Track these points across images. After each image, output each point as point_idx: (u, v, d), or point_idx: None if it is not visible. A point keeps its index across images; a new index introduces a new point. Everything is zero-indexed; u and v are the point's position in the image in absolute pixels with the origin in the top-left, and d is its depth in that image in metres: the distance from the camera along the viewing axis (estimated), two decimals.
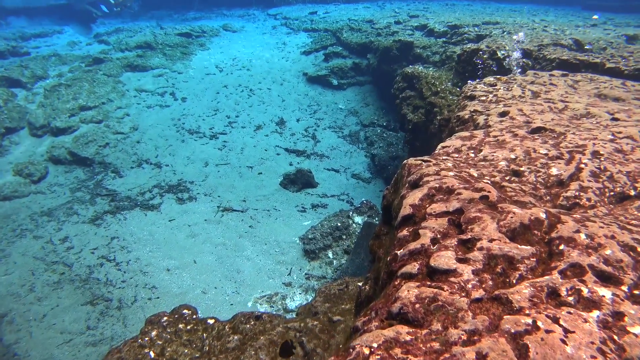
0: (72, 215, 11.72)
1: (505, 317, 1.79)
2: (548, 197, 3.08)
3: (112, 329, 8.63)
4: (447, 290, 1.97)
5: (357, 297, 3.65)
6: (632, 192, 3.02)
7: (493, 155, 3.68)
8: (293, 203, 12.33)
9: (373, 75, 17.88)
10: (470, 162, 3.64)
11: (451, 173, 3.07)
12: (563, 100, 5.35)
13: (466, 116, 5.32)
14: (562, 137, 3.95)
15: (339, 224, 10.38)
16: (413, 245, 2.34)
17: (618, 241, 2.20)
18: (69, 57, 20.12)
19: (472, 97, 6.10)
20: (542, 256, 2.19)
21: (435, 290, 1.97)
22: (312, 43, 21.72)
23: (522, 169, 3.38)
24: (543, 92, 5.85)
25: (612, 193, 3.06)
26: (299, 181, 12.90)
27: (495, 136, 4.21)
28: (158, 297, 9.21)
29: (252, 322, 5.34)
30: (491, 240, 2.24)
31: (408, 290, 2.01)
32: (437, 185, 2.84)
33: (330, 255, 10.06)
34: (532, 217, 2.39)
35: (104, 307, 9.08)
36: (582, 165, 3.30)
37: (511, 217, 2.39)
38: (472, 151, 3.90)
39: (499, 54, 9.57)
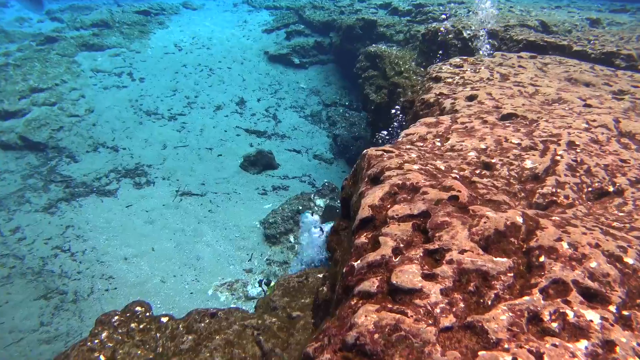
0: (23, 204, 11.29)
1: (480, 353, 1.53)
2: (523, 194, 2.84)
3: (68, 323, 8.34)
4: (412, 316, 1.69)
5: (315, 298, 3.26)
6: (611, 188, 2.84)
7: (462, 145, 3.44)
8: (253, 185, 12.15)
9: (336, 54, 17.61)
10: (436, 152, 3.39)
11: (416, 166, 2.77)
12: (533, 84, 5.17)
13: (431, 99, 5.08)
14: (535, 124, 3.75)
15: (300, 207, 10.25)
16: (372, 257, 2.04)
17: (603, 250, 1.97)
18: (17, 34, 19.23)
19: (437, 79, 5.86)
20: (520, 269, 1.93)
21: (398, 316, 1.69)
22: (273, 21, 21.28)
23: (493, 160, 3.12)
24: (512, 75, 5.65)
25: (590, 189, 2.86)
26: (259, 163, 12.70)
27: (463, 123, 3.98)
28: (115, 288, 8.97)
29: (207, 320, 5.16)
30: (462, 252, 1.95)
31: (366, 316, 1.73)
32: (400, 182, 2.54)
33: (292, 239, 9.96)
34: (508, 222, 2.11)
35: (58, 300, 8.77)
36: (558, 158, 3.08)
37: (484, 223, 2.09)
38: (439, 139, 3.66)
39: (465, 34, 9.44)
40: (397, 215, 2.29)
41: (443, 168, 2.93)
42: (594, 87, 5.32)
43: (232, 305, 7.72)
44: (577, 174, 2.98)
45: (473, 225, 2.10)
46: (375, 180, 2.74)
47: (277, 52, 18.13)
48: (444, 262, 1.93)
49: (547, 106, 4.45)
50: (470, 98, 4.77)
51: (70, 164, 12.80)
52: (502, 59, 6.57)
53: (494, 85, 5.24)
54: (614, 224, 2.43)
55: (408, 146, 3.46)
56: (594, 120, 3.83)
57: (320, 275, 5.82)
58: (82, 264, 9.54)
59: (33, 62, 16.50)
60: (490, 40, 9.40)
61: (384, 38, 14.54)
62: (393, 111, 7.79)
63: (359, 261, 2.10)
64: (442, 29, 9.94)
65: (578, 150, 3.22)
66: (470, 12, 12.79)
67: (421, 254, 2.00)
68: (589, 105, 4.40)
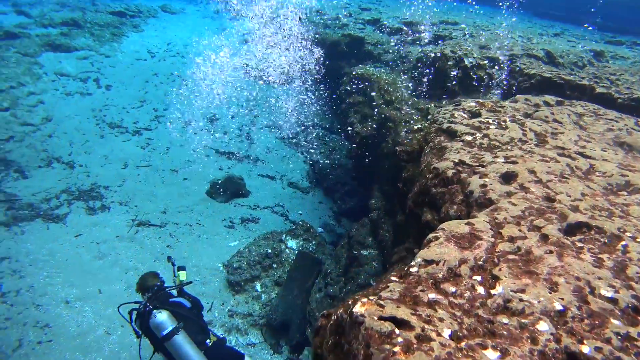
0: None
1: None
2: None
3: None
4: None
5: None
6: None
7: (522, 302, 2.30)
8: (220, 216, 11.04)
9: (318, 71, 16.62)
10: (481, 313, 2.26)
11: None
12: (582, 153, 4.14)
13: (449, 173, 4.04)
14: (620, 244, 2.72)
15: (269, 250, 9.18)
16: None
17: None
18: None
19: (451, 133, 4.82)
20: None
21: None
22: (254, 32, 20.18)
23: (586, 351, 1.97)
24: (550, 135, 4.62)
25: None
26: (228, 190, 11.60)
27: (512, 238, 2.89)
28: (51, 340, 7.75)
29: None
30: None
31: None
32: None
33: (259, 288, 8.89)
34: None
35: None
36: None
37: None
38: (480, 278, 2.55)
39: (466, 62, 8.50)
40: None
41: None
42: None
43: None
44: None
45: None
46: None
47: (257, 66, 17.04)
48: None
49: (614, 197, 3.41)
50: (507, 178, 3.71)
51: (18, 179, 11.53)
52: (525, 104, 5.57)
53: (532, 153, 4.16)
54: None
55: (432, 295, 2.35)
56: None
57: None
58: (13, 307, 8.32)
59: None
60: (495, 70, 8.50)
61: (372, 57, 13.55)
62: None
63: None
64: (441, 54, 9.01)
65: None
66: (467, 35, 11.94)
67: None
68: None
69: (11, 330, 7.88)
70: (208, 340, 5.68)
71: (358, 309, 2.15)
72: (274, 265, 9.14)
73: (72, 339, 7.77)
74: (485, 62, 8.61)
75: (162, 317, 5.36)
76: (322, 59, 15.32)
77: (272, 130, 14.64)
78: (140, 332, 5.60)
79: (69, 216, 10.50)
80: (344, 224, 11.83)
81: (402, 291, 2.38)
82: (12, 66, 15.25)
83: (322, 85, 15.88)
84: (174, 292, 6.10)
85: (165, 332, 5.29)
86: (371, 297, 2.25)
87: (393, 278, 2.65)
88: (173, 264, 6.44)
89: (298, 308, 8.14)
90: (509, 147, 4.38)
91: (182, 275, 6.20)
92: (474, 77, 8.52)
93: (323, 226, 11.28)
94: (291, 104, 15.79)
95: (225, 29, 20.37)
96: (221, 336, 6.25)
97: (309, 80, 16.25)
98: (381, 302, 2.21)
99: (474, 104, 5.64)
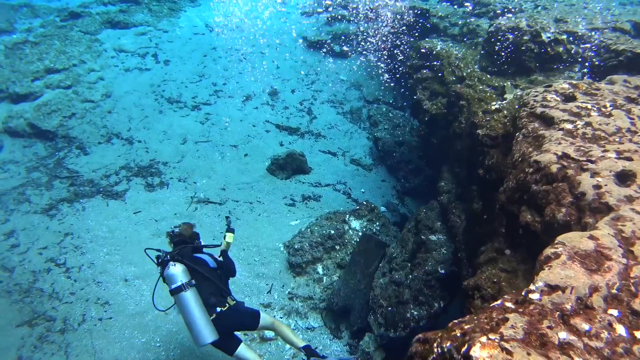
0: (23, 202, 10.04)
1: None
2: None
3: None
4: None
5: None
6: None
7: None
8: (281, 194, 10.61)
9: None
10: None
11: None
12: None
13: (553, 169, 3.47)
14: None
15: (332, 232, 8.65)
16: None
17: None
18: (43, 9, 17.84)
19: (546, 119, 4.22)
20: None
21: None
22: (314, 3, 19.44)
23: None
24: None
25: None
26: (289, 166, 11.14)
27: None
28: (110, 318, 7.60)
29: None
30: None
31: None
32: None
33: (320, 270, 8.40)
34: None
35: (44, 329, 7.46)
36: None
37: None
38: (617, 313, 2.06)
39: (544, 37, 7.59)
40: None
41: None
42: None
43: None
44: None
45: None
46: None
47: (316, 38, 16.37)
48: None
49: None
50: (623, 177, 3.13)
51: (80, 156, 11.50)
52: (625, 87, 4.76)
53: None
54: None
55: (562, 335, 1.84)
56: None
57: None
58: (76, 282, 8.24)
59: (52, 39, 15.19)
60: (575, 46, 7.52)
61: (437, 31, 12.60)
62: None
63: None
64: (515, 28, 8.05)
65: None
66: (539, 7, 10.77)
67: None
68: None
69: (75, 305, 7.82)
70: (219, 308, 5.54)
71: (478, 353, 1.67)
72: (337, 247, 8.62)
73: (130, 317, 7.59)
74: (564, 36, 7.68)
75: (176, 270, 5.33)
76: (386, 30, 14.47)
77: (334, 105, 13.99)
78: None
79: (128, 193, 10.35)
80: (408, 203, 11.19)
81: (526, 327, 1.93)
82: (75, 44, 15.27)
83: (385, 59, 15.08)
84: (212, 251, 6.10)
85: (174, 286, 5.28)
86: (492, 337, 1.77)
87: (509, 305, 2.10)
88: (228, 225, 6.32)
89: (361, 293, 7.65)
90: (617, 139, 3.76)
91: (229, 237, 6.10)
92: (552, 53, 7.62)
93: (386, 205, 10.68)
94: (354, 77, 15.10)
95: (284, 1, 19.76)
96: (240, 301, 6.00)
97: (372, 53, 15.48)
98: (506, 345, 1.76)
99: (566, 86, 4.88)
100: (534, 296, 2.16)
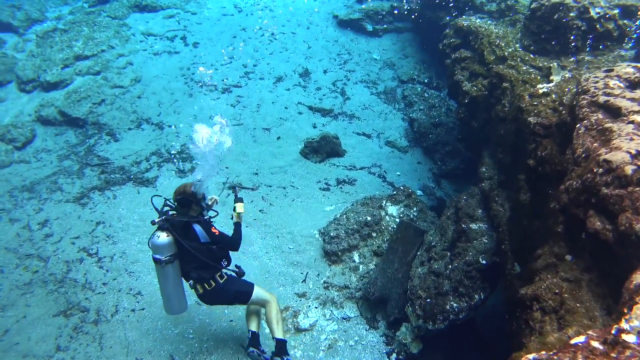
0: (55, 191, 9.95)
1: None
2: None
3: (86, 351, 6.87)
4: None
5: None
6: None
7: None
8: (315, 177, 10.25)
9: (414, 21, 15.07)
10: None
11: None
12: None
13: (627, 170, 3.02)
14: None
15: (369, 218, 8.26)
16: None
17: None
18: None
19: (612, 110, 3.76)
20: None
21: None
22: None
23: None
24: None
25: None
26: (322, 149, 10.77)
27: None
28: (143, 309, 7.43)
29: None
30: None
31: None
32: None
33: (356, 258, 8.04)
34: None
35: (78, 320, 7.34)
36: None
37: None
38: None
39: (593, 12, 6.90)
40: None
41: None
42: None
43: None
44: None
45: None
46: None
47: (348, 17, 15.78)
48: None
49: None
50: None
51: (110, 143, 11.34)
52: None
53: None
54: None
55: None
56: None
57: None
58: (109, 272, 8.09)
59: (81, 26, 15.03)
60: (626, 22, 6.79)
61: (473, 7, 11.84)
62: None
63: None
64: (558, 3, 7.34)
65: None
66: None
67: None
68: None
69: (108, 296, 7.69)
70: (205, 286, 5.51)
71: None
72: (373, 234, 8.26)
73: (162, 309, 7.34)
74: (616, 11, 6.94)
75: (162, 240, 5.19)
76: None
77: (368, 85, 13.47)
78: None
79: (159, 179, 10.18)
80: (444, 186, 10.74)
81: None
82: (103, 30, 15.09)
83: (418, 35, 14.37)
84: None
85: (155, 257, 5.23)
86: None
87: (596, 345, 1.70)
88: (236, 195, 6.23)
89: (398, 283, 7.32)
90: None
91: (239, 207, 5.97)
92: (601, 30, 6.93)
93: (422, 188, 10.25)
94: (387, 56, 14.51)
95: None
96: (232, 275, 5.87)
97: (406, 31, 14.78)
98: None
99: (631, 70, 4.32)
100: (630, 339, 1.76)
